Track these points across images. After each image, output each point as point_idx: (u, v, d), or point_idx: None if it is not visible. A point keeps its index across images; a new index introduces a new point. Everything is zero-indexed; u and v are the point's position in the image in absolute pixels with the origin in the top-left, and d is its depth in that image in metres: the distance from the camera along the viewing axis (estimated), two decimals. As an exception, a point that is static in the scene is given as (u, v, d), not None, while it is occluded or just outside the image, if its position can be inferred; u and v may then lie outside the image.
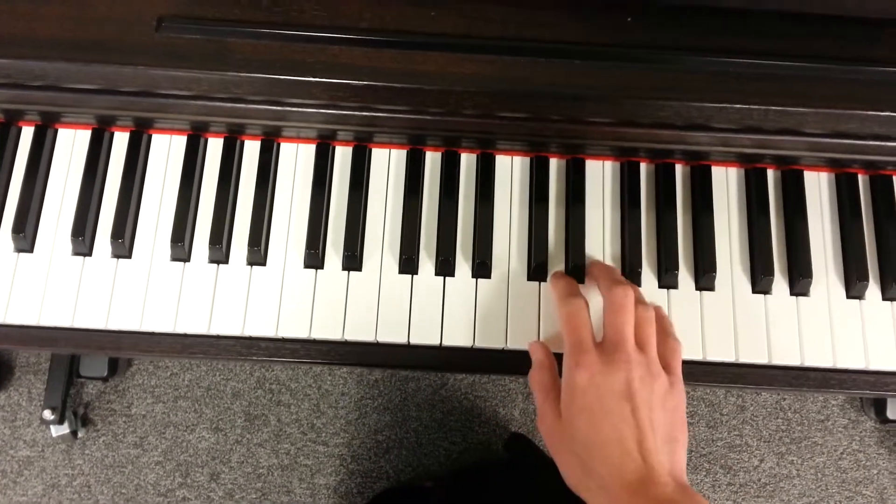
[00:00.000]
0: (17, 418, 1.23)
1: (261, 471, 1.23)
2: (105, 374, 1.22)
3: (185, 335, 0.63)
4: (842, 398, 1.30)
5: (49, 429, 1.20)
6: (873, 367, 0.64)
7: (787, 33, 0.58)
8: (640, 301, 0.60)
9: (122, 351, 0.64)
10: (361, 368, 1.25)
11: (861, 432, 1.29)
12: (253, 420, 1.25)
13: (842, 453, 1.28)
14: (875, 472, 1.27)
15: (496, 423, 1.27)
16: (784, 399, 1.30)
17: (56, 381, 1.19)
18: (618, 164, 0.68)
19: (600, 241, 0.66)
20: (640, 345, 0.57)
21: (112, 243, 0.64)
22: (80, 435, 1.23)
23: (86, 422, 1.24)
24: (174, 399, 1.25)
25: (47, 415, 1.16)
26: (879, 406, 1.23)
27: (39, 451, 1.22)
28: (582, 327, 0.58)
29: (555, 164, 0.68)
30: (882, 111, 0.57)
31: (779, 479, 1.26)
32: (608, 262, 0.66)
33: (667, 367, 0.58)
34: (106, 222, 0.65)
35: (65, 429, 1.19)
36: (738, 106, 0.57)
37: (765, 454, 1.27)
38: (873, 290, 0.66)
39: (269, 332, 0.63)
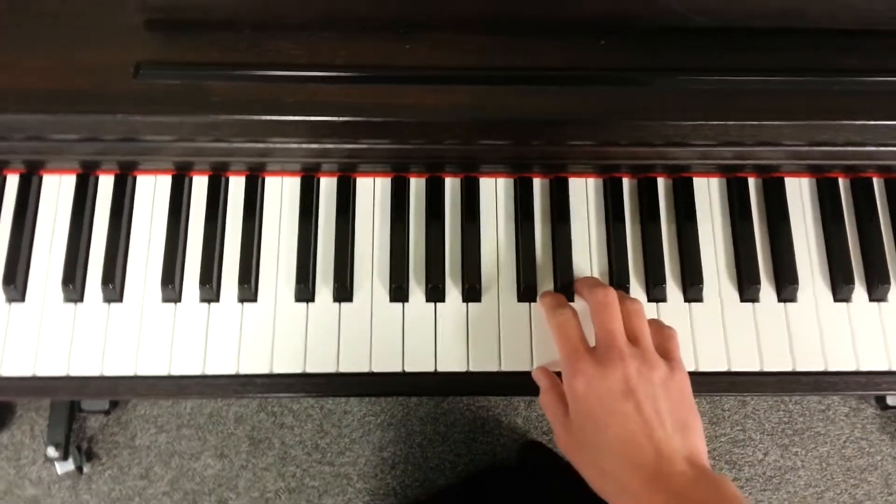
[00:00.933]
0: (21, 457, 1.24)
1: (268, 495, 1.23)
2: (107, 407, 1.22)
3: (181, 377, 0.63)
4: (841, 389, 1.31)
5: (54, 465, 1.20)
6: (864, 368, 0.64)
7: (757, 48, 0.59)
8: (624, 296, 0.60)
9: (118, 395, 0.64)
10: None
11: (863, 419, 1.30)
12: (257, 444, 1.25)
13: (845, 442, 1.29)
14: (879, 458, 1.28)
15: (500, 433, 1.27)
16: (784, 392, 1.30)
17: (58, 417, 1.19)
18: (600, 181, 0.69)
19: (587, 259, 0.67)
20: (633, 338, 0.56)
21: (103, 288, 0.64)
22: (85, 470, 1.23)
23: (90, 456, 1.24)
24: (177, 427, 1.26)
25: (51, 452, 1.16)
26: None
27: (46, 489, 1.22)
28: (572, 335, 0.58)
29: (538, 184, 0.69)
30: (857, 120, 0.57)
31: (784, 471, 1.27)
32: (597, 277, 0.66)
33: (665, 354, 0.57)
34: (96, 267, 0.66)
35: (70, 465, 1.19)
36: (713, 123, 0.57)
37: (769, 447, 1.28)
38: (860, 292, 0.66)
39: (263, 369, 0.63)
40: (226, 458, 1.24)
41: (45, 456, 1.16)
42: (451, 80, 0.58)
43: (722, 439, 1.27)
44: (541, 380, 0.61)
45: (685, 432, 0.53)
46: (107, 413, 1.24)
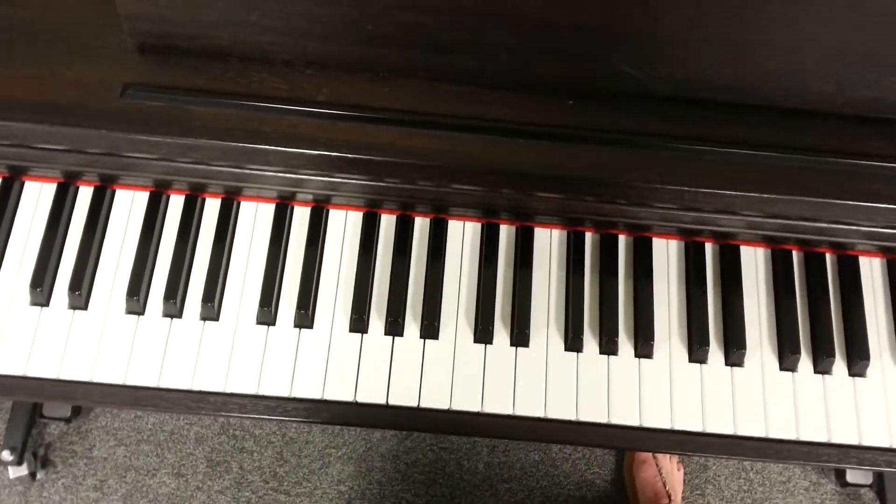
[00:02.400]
0: (-26, 459, 1.22)
1: (220, 519, 1.22)
2: (68, 414, 1.22)
3: (136, 387, 0.64)
4: (799, 461, 1.31)
5: (6, 470, 1.19)
6: (804, 437, 0.66)
7: (715, 120, 0.62)
8: None
9: (74, 400, 0.65)
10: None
11: (822, 495, 1.30)
12: (215, 466, 1.24)
13: (803, 516, 1.28)
14: (835, 535, 1.28)
15: (460, 476, 1.27)
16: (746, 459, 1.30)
17: (18, 421, 1.19)
18: (565, 233, 0.71)
19: (545, 305, 0.69)
20: None
21: (69, 295, 0.66)
22: (38, 476, 1.22)
23: (45, 463, 1.23)
24: (137, 442, 1.25)
25: (6, 455, 1.15)
26: (839, 469, 1.24)
27: (-5, 492, 1.21)
28: None
29: (505, 231, 0.71)
30: (806, 197, 0.60)
31: (740, 540, 1.26)
32: (552, 326, 0.68)
33: None
34: (65, 273, 0.67)
35: (23, 470, 1.18)
36: (669, 187, 0.60)
37: (727, 515, 1.27)
38: (805, 362, 0.68)
39: (217, 388, 0.64)
40: (182, 477, 1.23)
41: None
42: (424, 125, 0.61)
43: None
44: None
45: None
46: (68, 421, 1.23)
